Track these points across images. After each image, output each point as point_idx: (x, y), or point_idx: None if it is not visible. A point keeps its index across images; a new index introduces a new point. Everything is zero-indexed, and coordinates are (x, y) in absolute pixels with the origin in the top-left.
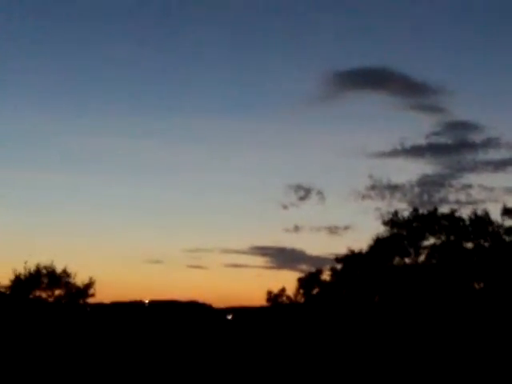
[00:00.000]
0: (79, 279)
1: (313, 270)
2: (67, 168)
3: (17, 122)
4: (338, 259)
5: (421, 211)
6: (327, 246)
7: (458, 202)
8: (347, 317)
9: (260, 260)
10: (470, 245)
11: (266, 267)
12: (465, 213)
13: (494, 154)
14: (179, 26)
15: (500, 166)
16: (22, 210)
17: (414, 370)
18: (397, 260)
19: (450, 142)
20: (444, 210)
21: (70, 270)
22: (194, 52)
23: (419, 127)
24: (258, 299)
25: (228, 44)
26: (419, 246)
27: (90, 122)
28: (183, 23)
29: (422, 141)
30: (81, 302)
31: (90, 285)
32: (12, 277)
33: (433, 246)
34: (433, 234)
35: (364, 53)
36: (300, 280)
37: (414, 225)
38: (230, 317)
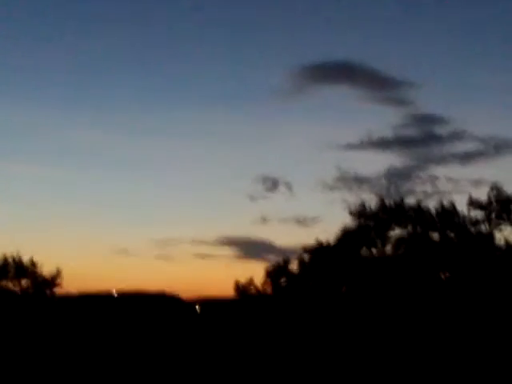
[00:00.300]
0: (46, 270)
1: (281, 260)
2: (35, 159)
3: None
4: (306, 250)
5: (388, 202)
6: (295, 237)
7: (424, 193)
8: (315, 308)
9: (228, 251)
10: (436, 236)
11: (235, 258)
12: (431, 204)
13: (460, 147)
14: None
15: (466, 158)
16: None
17: (380, 360)
18: (364, 251)
19: (416, 134)
20: (411, 201)
21: (36, 260)
22: (166, 48)
23: (386, 120)
24: (227, 290)
25: (196, 38)
26: (386, 236)
27: (55, 113)
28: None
29: (388, 133)
30: (48, 292)
31: (56, 275)
32: None
33: (399, 237)
34: (399, 225)
35: (330, 46)
36: (268, 271)
37: (381, 216)
38: (198, 308)
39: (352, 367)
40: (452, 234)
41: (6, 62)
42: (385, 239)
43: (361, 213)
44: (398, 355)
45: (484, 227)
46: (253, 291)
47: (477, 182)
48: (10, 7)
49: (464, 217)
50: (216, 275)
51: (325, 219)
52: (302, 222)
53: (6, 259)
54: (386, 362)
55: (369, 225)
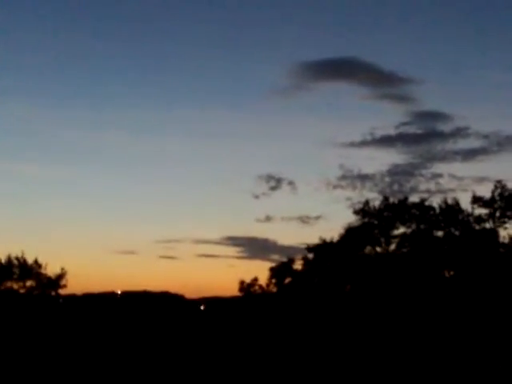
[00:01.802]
0: (51, 270)
1: (284, 259)
2: (39, 160)
3: None
4: (310, 248)
5: (391, 200)
6: (299, 236)
7: (428, 191)
8: (319, 305)
9: (232, 250)
10: (440, 233)
11: (238, 257)
12: (435, 202)
13: (463, 144)
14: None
15: (469, 155)
16: None
17: (385, 356)
18: (368, 249)
19: (419, 131)
20: (414, 199)
21: (41, 261)
22: (166, 46)
23: (389, 117)
24: (231, 289)
25: (200, 37)
26: (390, 234)
27: (56, 112)
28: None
29: (391, 131)
30: (53, 293)
31: (61, 276)
32: None
33: (403, 235)
34: (403, 223)
35: (334, 43)
36: (272, 269)
37: (385, 214)
38: (202, 307)
39: (356, 364)
40: (456, 232)
41: (5, 61)
42: (389, 237)
43: (364, 211)
44: (403, 352)
45: (488, 224)
46: (257, 290)
47: (480, 179)
48: (10, 7)
49: (468, 214)
50: (220, 274)
51: (328, 217)
52: (305, 220)
53: (10, 260)
54: (391, 359)
55: (372, 223)
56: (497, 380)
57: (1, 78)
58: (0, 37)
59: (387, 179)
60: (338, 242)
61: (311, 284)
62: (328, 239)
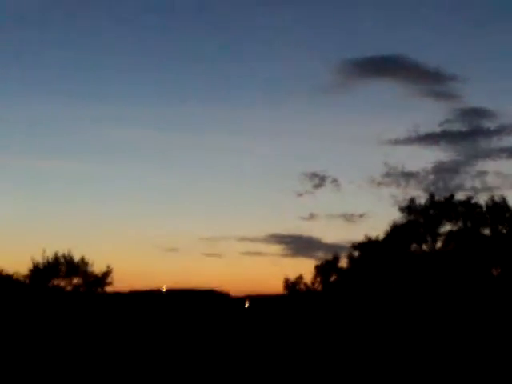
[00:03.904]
0: (96, 268)
1: (329, 257)
2: (84, 157)
3: (32, 108)
4: (355, 246)
5: (437, 198)
6: (343, 234)
7: (473, 188)
8: (365, 304)
9: (276, 248)
10: (487, 231)
11: (282, 255)
12: (481, 199)
13: (508, 141)
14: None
15: None
16: (38, 198)
17: (433, 358)
18: (414, 247)
19: (464, 128)
20: (460, 196)
21: (87, 258)
22: (201, 41)
23: (433, 114)
24: (275, 287)
25: (241, 33)
26: (436, 232)
27: (105, 111)
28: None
29: (435, 128)
30: (99, 290)
31: (107, 273)
32: (30, 266)
33: (450, 233)
34: (450, 221)
35: (376, 40)
36: (317, 267)
37: (431, 211)
38: (247, 305)
39: (403, 364)
40: (503, 230)
41: (21, 52)
42: (435, 235)
43: (410, 208)
44: (450, 352)
45: None
46: (302, 287)
47: None
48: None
49: None
50: (264, 272)
51: (372, 215)
52: (349, 218)
53: (57, 258)
54: (439, 358)
55: (418, 220)
56: None
57: (18, 68)
58: (15, 23)
59: (432, 177)
60: (384, 239)
61: (357, 282)
62: (373, 237)
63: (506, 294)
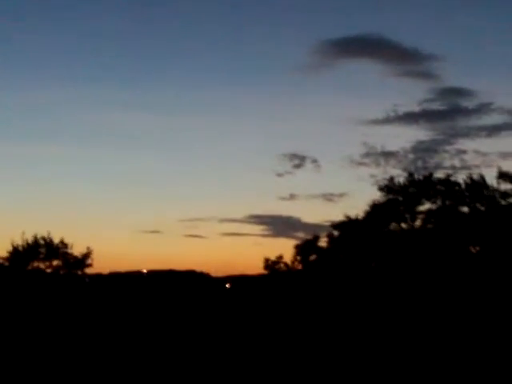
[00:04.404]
0: (76, 250)
1: (309, 237)
2: (63, 141)
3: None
4: (335, 226)
5: (416, 177)
6: (323, 214)
7: (452, 167)
8: (344, 282)
9: (257, 228)
10: (465, 209)
11: (263, 235)
12: (460, 178)
13: (487, 120)
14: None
15: (493, 130)
16: (18, 182)
17: (409, 336)
18: (393, 225)
19: (443, 108)
20: (439, 175)
21: (67, 240)
22: (186, 22)
23: (412, 94)
24: (256, 267)
25: (222, 15)
26: (415, 211)
27: (79, 93)
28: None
29: (415, 107)
30: (79, 272)
31: (87, 255)
32: (10, 248)
33: (429, 211)
34: (428, 199)
35: (355, 21)
36: (297, 247)
37: (410, 190)
38: (228, 285)
39: (380, 342)
40: (482, 207)
41: (21, 39)
42: (414, 213)
43: (389, 187)
44: (427, 330)
45: None
46: (282, 267)
47: (505, 155)
48: None
49: (494, 189)
50: (245, 252)
51: (352, 195)
52: (329, 198)
53: (37, 240)
54: (416, 337)
55: (397, 199)
56: None
57: (16, 56)
58: (16, 12)
59: (411, 156)
60: (363, 218)
61: (336, 261)
62: (353, 216)
63: (485, 271)
